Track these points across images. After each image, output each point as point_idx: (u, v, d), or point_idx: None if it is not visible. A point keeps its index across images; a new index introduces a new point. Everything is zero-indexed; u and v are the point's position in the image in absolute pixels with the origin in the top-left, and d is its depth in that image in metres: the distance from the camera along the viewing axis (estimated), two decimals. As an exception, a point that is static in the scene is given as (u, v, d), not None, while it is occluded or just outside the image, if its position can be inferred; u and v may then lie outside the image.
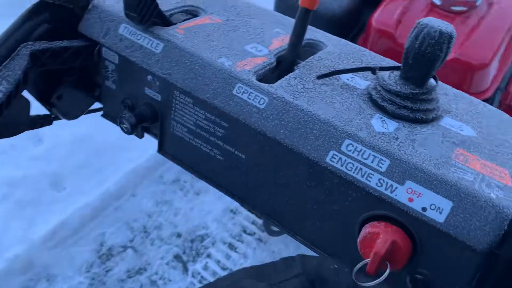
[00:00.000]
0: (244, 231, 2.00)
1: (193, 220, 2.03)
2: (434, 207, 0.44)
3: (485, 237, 0.42)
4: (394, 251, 0.45)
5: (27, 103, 0.63)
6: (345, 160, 0.48)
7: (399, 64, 0.54)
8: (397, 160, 0.46)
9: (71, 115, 0.71)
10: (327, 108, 0.52)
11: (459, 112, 0.55)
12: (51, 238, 1.91)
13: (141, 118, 0.60)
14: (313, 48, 0.65)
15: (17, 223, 1.92)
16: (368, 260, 0.45)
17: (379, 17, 1.22)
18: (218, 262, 1.88)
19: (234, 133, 0.55)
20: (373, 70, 0.55)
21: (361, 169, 0.47)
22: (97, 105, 0.73)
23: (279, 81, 0.55)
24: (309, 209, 0.53)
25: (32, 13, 0.61)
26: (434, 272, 0.47)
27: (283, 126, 0.51)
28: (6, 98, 0.54)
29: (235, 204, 2.06)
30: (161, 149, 0.65)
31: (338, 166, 0.48)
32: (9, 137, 0.65)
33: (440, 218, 0.44)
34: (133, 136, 0.65)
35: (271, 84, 0.54)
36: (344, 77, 0.58)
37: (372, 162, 0.47)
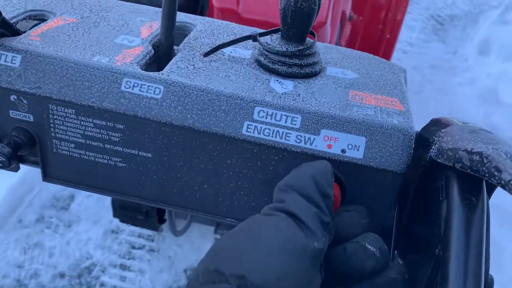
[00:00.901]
0: (133, 247, 1.89)
1: (73, 254, 1.84)
2: (351, 147, 0.47)
3: (400, 159, 0.47)
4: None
5: None
6: (261, 127, 0.48)
7: (277, 27, 0.55)
8: (307, 113, 0.48)
9: None
10: (226, 82, 0.50)
11: (335, 60, 0.59)
12: None
13: (16, 146, 0.51)
14: (183, 30, 0.63)
15: None
16: None
17: None
18: (114, 287, 1.75)
19: (133, 133, 0.51)
20: (253, 37, 0.56)
21: (277, 131, 0.48)
22: None
23: (167, 67, 0.52)
24: (234, 187, 0.52)
25: None
26: (365, 205, 0.50)
27: (188, 111, 0.49)
28: None
29: (114, 223, 1.93)
30: (46, 176, 0.56)
31: (256, 134, 0.48)
32: None
33: (358, 154, 0.47)
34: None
35: (160, 72, 0.51)
36: (227, 50, 0.57)
37: (286, 122, 0.48)
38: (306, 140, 0.47)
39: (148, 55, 0.54)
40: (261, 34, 0.56)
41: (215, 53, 0.56)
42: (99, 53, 0.51)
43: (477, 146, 0.38)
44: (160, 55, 0.56)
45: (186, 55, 0.55)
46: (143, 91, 0.49)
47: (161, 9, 0.56)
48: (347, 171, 0.48)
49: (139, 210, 1.62)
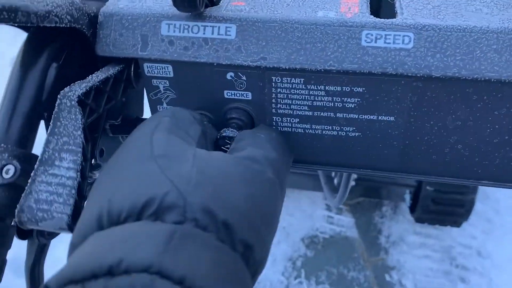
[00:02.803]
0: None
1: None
2: None
3: None
4: None
5: None
6: (548, 64, 0.39)
7: None
8: None
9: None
10: (483, 16, 0.41)
11: None
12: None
13: (238, 129, 0.46)
14: None
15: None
16: None
17: None
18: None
19: (375, 96, 0.43)
20: None
21: None
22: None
23: (404, 12, 0.43)
24: (497, 144, 0.43)
25: (32, 55, 0.42)
26: None
27: (450, 58, 0.40)
28: (81, 175, 0.36)
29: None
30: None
31: (543, 74, 0.39)
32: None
33: None
34: None
35: (401, 18, 0.42)
36: None
37: None
38: None
39: (369, 0, 0.46)
40: None
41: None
42: (319, 8, 0.44)
43: None
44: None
45: None
46: (389, 43, 0.41)
47: None
48: None
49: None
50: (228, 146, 0.42)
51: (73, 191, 0.35)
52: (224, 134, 0.43)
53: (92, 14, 0.45)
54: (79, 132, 0.37)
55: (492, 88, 0.40)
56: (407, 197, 1.76)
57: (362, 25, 0.41)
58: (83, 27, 0.44)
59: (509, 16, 0.41)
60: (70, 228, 0.35)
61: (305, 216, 1.86)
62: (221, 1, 0.47)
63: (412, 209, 1.64)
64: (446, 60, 0.40)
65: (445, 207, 1.48)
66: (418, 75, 0.41)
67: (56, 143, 0.37)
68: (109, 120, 0.49)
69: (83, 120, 0.38)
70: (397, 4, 0.45)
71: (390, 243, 1.77)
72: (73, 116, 0.38)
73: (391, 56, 0.41)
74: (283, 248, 1.77)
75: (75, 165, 0.36)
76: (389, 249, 1.75)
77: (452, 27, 0.40)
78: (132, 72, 0.47)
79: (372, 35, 0.41)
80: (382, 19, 0.42)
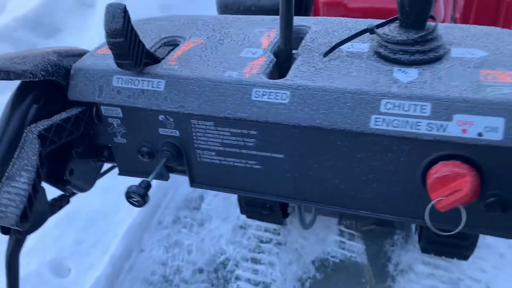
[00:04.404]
0: (261, 241, 1.99)
1: (208, 250, 1.99)
2: (489, 129, 0.46)
3: None
4: (469, 188, 0.46)
5: (43, 190, 0.61)
6: (389, 119, 0.49)
7: (393, 17, 0.55)
8: (437, 100, 0.48)
9: (86, 187, 0.68)
10: (348, 79, 0.52)
11: (459, 40, 0.58)
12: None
13: (167, 159, 0.59)
14: (299, 33, 0.66)
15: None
16: (439, 198, 0.46)
17: None
18: (248, 280, 1.86)
19: (266, 138, 0.55)
20: (370, 30, 0.57)
21: (407, 121, 0.48)
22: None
23: (290, 72, 0.55)
24: (365, 181, 0.54)
25: (18, 99, 0.58)
26: (506, 189, 0.48)
27: (315, 111, 0.51)
28: (32, 188, 0.51)
29: (242, 219, 2.05)
30: (193, 182, 0.63)
31: (384, 127, 0.49)
32: (36, 230, 0.61)
33: (497, 136, 0.45)
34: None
35: (285, 78, 0.54)
36: (345, 47, 0.59)
37: (415, 111, 0.48)
38: (438, 127, 0.47)
39: (271, 64, 0.58)
40: (379, 26, 0.57)
41: (334, 52, 0.58)
42: (228, 69, 0.57)
43: None
44: (281, 62, 0.59)
45: (306, 58, 0.57)
46: (272, 98, 0.53)
47: (275, 17, 0.60)
48: (485, 157, 0.47)
49: (263, 206, 1.70)
50: (135, 200, 0.55)
51: (24, 199, 0.50)
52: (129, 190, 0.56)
53: (68, 67, 0.61)
54: (36, 157, 0.52)
55: (349, 137, 0.51)
56: (413, 226, 1.79)
57: (253, 84, 0.54)
58: (58, 78, 0.60)
59: (368, 80, 0.52)
60: (18, 225, 0.49)
61: (318, 240, 1.94)
62: (162, 60, 0.61)
63: (419, 239, 1.68)
64: (312, 113, 0.51)
65: (448, 238, 1.51)
66: (292, 124, 0.52)
67: (19, 164, 0.52)
68: (75, 148, 0.64)
69: (40, 149, 0.53)
70: (293, 66, 0.57)
71: (398, 271, 1.80)
72: (33, 146, 0.53)
73: (273, 108, 0.53)
74: (293, 269, 1.86)
75: (30, 181, 0.51)
76: (397, 277, 1.78)
77: (318, 88, 0.52)
78: (94, 112, 0.62)
79: (259, 92, 0.53)
80: (271, 80, 0.54)
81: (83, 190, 0.68)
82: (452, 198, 0.46)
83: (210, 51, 0.61)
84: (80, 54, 0.63)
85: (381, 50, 0.55)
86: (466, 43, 0.57)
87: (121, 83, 0.59)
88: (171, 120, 0.58)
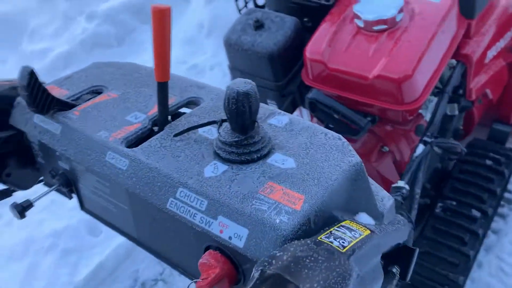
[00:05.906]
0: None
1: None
2: (236, 235, 0.55)
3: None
4: (222, 277, 0.56)
5: None
6: (179, 204, 0.60)
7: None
8: (213, 200, 0.57)
9: (24, 187, 0.88)
10: (172, 162, 0.64)
11: (293, 146, 0.65)
12: (92, 279, 2.13)
13: (62, 185, 0.76)
14: (195, 104, 0.77)
15: (63, 270, 2.16)
16: (197, 280, 0.56)
17: (311, 47, 1.29)
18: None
19: (114, 190, 0.69)
20: (216, 122, 0.67)
21: (189, 210, 0.59)
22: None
23: (142, 144, 0.68)
24: (172, 244, 0.65)
25: None
26: None
27: (139, 182, 0.64)
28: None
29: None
30: (82, 207, 0.80)
31: (175, 210, 0.60)
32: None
33: (240, 243, 0.54)
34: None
35: (133, 148, 0.67)
36: (201, 130, 0.69)
37: (196, 204, 0.58)
38: (207, 222, 0.57)
39: (141, 131, 0.71)
40: (223, 120, 0.67)
41: (190, 132, 0.69)
42: (105, 129, 0.71)
43: None
44: (158, 131, 0.72)
45: (165, 133, 0.70)
46: (116, 163, 0.67)
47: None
48: (236, 254, 0.56)
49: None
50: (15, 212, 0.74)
51: None
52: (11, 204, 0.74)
53: (11, 100, 0.81)
54: None
55: (156, 209, 0.63)
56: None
57: (109, 147, 0.68)
58: (5, 106, 0.80)
59: (183, 167, 0.62)
60: None
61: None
62: (75, 107, 0.77)
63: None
64: (137, 182, 0.64)
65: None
66: (125, 187, 0.65)
67: None
68: (10, 159, 0.84)
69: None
70: (151, 137, 0.69)
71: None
72: None
73: (115, 171, 0.66)
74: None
75: None
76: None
77: (146, 164, 0.64)
78: (24, 136, 0.81)
79: (111, 155, 0.67)
80: (122, 147, 0.67)
81: (21, 188, 0.88)
82: (202, 284, 0.56)
83: (111, 107, 0.76)
84: None
85: (214, 143, 0.65)
86: (293, 151, 0.63)
87: (38, 121, 0.77)
88: (63, 157, 0.75)
